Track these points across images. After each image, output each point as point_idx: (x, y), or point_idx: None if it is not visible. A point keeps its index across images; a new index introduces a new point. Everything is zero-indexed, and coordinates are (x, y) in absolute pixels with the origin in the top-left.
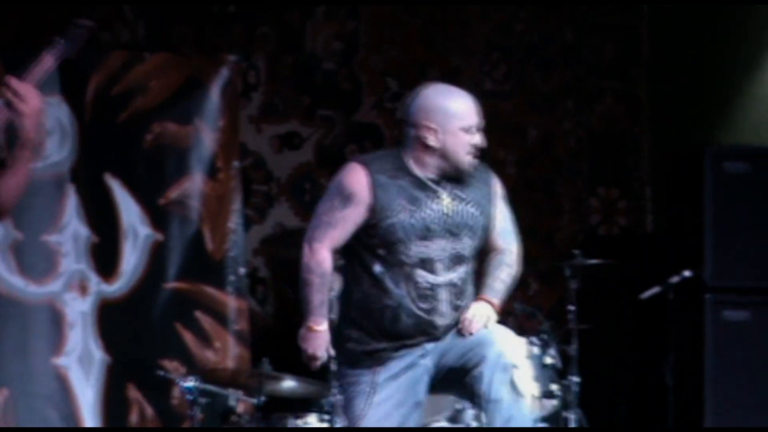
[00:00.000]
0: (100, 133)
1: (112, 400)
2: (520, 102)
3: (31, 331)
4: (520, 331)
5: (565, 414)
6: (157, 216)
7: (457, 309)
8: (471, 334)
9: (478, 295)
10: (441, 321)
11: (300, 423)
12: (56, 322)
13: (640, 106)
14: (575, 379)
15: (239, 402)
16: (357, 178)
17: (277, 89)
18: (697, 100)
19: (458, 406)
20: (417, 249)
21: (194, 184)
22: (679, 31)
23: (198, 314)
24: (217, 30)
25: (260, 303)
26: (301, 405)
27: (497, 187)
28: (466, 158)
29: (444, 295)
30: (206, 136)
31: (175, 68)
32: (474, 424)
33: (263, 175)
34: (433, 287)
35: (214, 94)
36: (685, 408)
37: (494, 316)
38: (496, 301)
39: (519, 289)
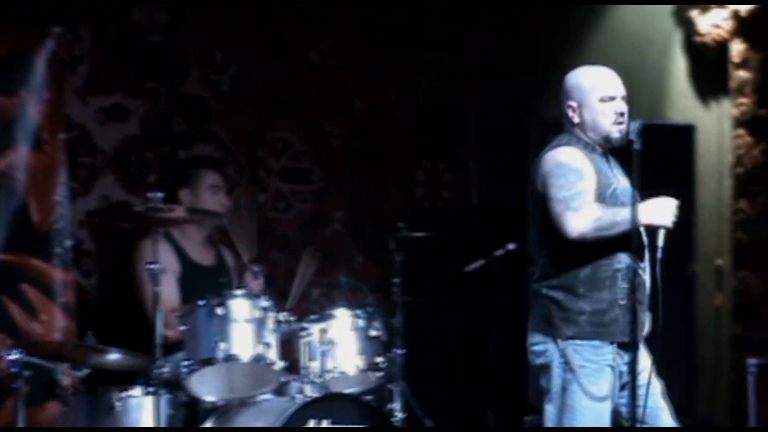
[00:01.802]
0: None
1: None
2: (346, 74)
3: None
4: (346, 303)
5: (390, 386)
6: None
7: (645, 270)
8: None
9: None
10: (647, 279)
11: (125, 395)
12: None
13: (465, 79)
14: (400, 351)
15: (64, 375)
16: (573, 155)
17: (103, 61)
18: (524, 74)
19: (283, 378)
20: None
21: (19, 156)
22: (509, 5)
23: (24, 286)
24: (42, 1)
25: (85, 275)
26: (127, 377)
27: None
28: (611, 127)
29: (647, 255)
30: (32, 108)
31: None
32: (299, 397)
33: (89, 148)
34: (644, 247)
35: (40, 66)
36: (508, 379)
37: None
38: None
39: (344, 262)
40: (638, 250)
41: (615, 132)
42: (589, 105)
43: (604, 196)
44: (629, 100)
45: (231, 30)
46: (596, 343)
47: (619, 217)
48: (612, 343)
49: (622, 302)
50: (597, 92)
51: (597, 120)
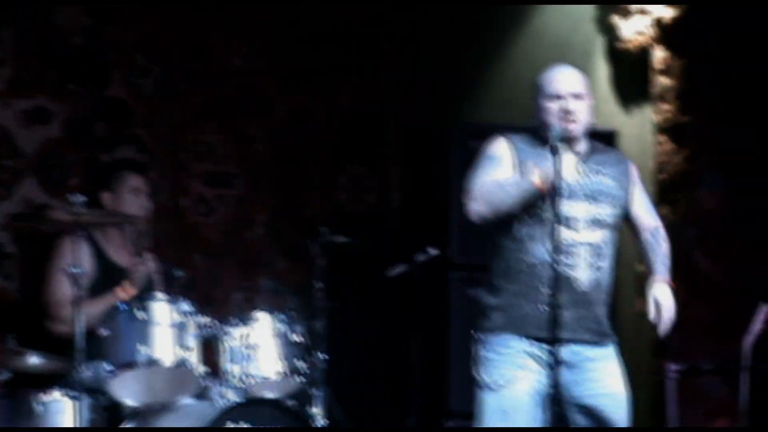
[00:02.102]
0: None
1: None
2: (268, 78)
3: None
4: (268, 308)
5: (311, 391)
6: None
7: (598, 269)
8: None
9: (653, 274)
10: (582, 277)
11: (45, 399)
12: None
13: (388, 83)
14: (322, 356)
15: None
16: (497, 143)
17: (25, 64)
18: (446, 78)
19: (204, 383)
20: (558, 207)
21: None
22: (431, 9)
23: None
24: None
25: (7, 278)
26: (48, 381)
27: (633, 170)
28: (556, 125)
29: (583, 253)
30: None
31: None
32: (220, 401)
33: (10, 150)
34: (574, 244)
35: None
36: (430, 385)
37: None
38: (669, 277)
39: (266, 267)
40: (567, 246)
41: (556, 130)
42: (539, 104)
43: None
44: None
45: (154, 34)
46: (506, 336)
47: (504, 185)
48: (525, 336)
49: (533, 296)
50: (544, 91)
51: (544, 119)
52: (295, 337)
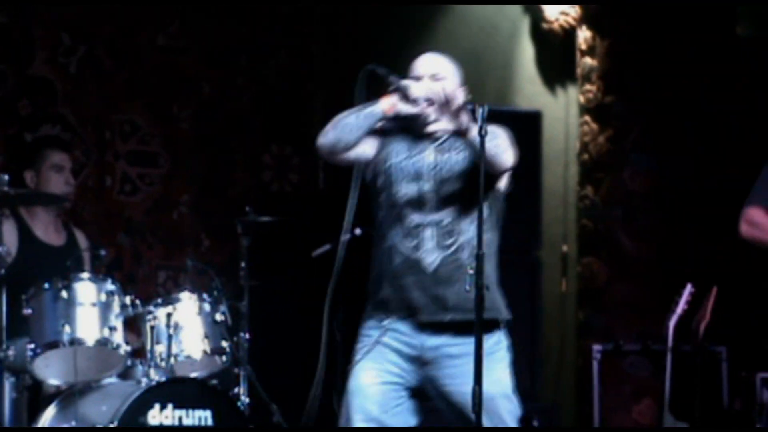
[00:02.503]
0: None
1: None
2: (194, 57)
3: None
4: (192, 287)
5: (235, 370)
6: None
7: (446, 248)
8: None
9: None
10: (428, 258)
11: None
12: None
13: (313, 63)
14: (246, 335)
15: None
16: None
17: None
18: (372, 58)
19: (129, 362)
20: (406, 190)
21: None
22: None
23: None
24: None
25: None
26: None
27: (496, 131)
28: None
29: (429, 233)
30: None
31: None
32: (144, 381)
33: None
34: (419, 225)
35: None
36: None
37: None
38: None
39: (191, 246)
40: (412, 228)
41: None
42: None
43: (380, 170)
44: (477, 85)
45: (79, 12)
46: (370, 322)
47: (352, 110)
48: (382, 321)
49: (388, 280)
50: (409, 75)
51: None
52: (219, 317)
